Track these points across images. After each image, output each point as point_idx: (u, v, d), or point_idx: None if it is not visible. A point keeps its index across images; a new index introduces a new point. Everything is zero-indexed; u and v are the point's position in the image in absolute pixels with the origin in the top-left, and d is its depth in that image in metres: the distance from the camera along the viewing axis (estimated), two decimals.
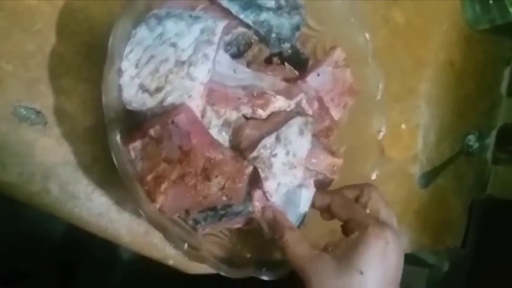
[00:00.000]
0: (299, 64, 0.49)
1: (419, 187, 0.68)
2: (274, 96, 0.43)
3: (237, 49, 0.46)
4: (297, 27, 0.47)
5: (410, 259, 0.77)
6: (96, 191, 0.46)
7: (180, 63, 0.39)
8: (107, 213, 0.47)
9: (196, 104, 0.40)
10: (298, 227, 0.44)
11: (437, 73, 0.69)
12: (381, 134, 0.49)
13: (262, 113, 0.43)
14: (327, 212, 0.43)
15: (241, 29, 0.45)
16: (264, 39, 0.46)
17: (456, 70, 0.71)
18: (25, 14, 0.44)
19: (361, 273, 0.35)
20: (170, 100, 0.39)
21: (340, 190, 0.43)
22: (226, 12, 0.44)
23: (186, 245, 0.40)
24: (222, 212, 0.43)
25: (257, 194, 0.43)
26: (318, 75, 0.48)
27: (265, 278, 0.42)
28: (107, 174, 0.46)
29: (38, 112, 0.44)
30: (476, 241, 0.73)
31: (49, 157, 0.44)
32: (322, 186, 0.48)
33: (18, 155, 0.44)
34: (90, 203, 0.46)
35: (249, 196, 0.43)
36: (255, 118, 0.43)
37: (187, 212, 0.42)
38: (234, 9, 0.44)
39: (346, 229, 0.39)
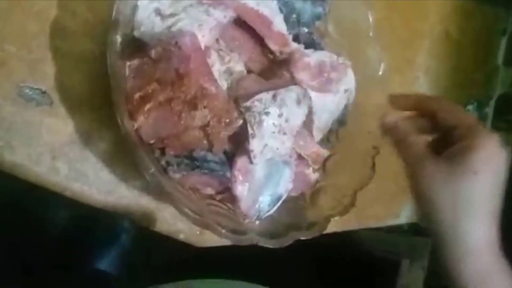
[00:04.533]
0: None
1: None
2: None
3: None
4: (317, 17, 0.49)
5: (414, 230, 0.78)
6: (105, 169, 0.46)
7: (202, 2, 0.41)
8: (116, 189, 0.47)
9: (202, 34, 0.40)
10: (271, 209, 0.44)
11: (435, 44, 0.70)
12: None
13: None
14: (431, 117, 0.39)
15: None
16: (284, 18, 0.47)
17: (453, 41, 0.72)
18: None
19: (475, 174, 0.34)
20: (179, 26, 0.39)
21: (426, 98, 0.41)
22: None
23: (188, 210, 0.39)
24: (197, 163, 0.42)
25: (240, 161, 0.42)
26: None
27: (269, 246, 0.42)
28: (115, 151, 0.46)
29: (43, 93, 0.44)
30: None
31: (56, 137, 0.45)
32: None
33: (25, 136, 0.44)
34: (99, 180, 0.46)
35: (229, 162, 0.43)
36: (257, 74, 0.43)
37: (162, 150, 0.41)
38: None
39: (452, 135, 0.38)
